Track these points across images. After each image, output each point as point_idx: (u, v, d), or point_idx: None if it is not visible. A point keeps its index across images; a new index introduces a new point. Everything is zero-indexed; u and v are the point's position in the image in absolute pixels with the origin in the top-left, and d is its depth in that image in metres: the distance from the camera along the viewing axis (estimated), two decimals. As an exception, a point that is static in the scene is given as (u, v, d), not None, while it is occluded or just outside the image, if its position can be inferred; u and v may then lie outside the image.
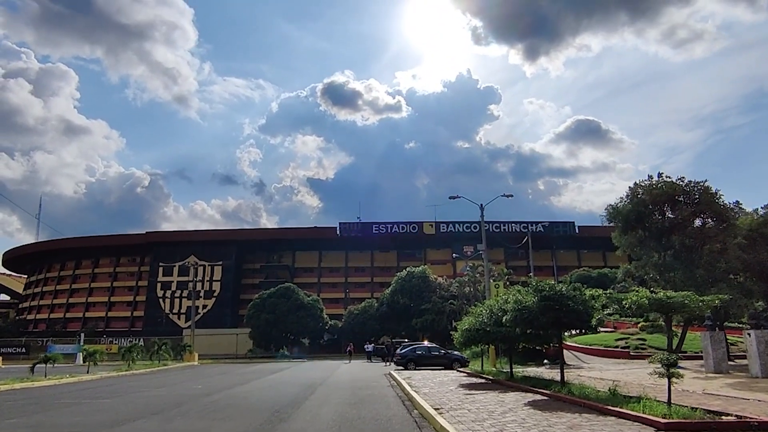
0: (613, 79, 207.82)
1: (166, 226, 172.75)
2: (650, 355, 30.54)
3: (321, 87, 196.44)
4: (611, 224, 27.57)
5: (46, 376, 27.48)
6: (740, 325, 37.99)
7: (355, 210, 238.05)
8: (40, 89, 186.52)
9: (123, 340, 76.52)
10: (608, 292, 11.35)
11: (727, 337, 25.85)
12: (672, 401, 9.61)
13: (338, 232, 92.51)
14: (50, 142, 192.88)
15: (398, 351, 34.90)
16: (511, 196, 33.17)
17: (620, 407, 10.01)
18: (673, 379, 9.39)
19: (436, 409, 11.89)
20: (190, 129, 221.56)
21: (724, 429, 8.29)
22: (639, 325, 40.19)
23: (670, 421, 8.46)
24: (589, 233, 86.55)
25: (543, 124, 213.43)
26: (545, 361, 30.62)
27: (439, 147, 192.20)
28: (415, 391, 16.53)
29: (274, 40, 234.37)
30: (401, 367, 32.18)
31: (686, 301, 9.81)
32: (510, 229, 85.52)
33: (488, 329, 18.64)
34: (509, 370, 20.14)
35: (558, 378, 19.18)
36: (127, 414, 13.48)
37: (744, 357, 29.59)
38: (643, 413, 9.22)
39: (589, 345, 35.94)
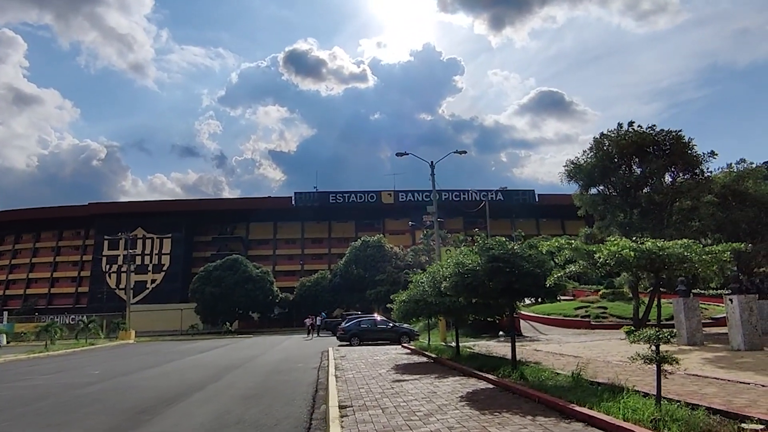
0: (575, 51, 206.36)
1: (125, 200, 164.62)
2: (613, 326, 28.53)
3: (283, 55, 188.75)
4: (571, 182, 24.71)
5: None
6: (703, 291, 36.46)
7: (319, 183, 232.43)
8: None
9: (65, 317, 72.48)
10: (572, 242, 8.29)
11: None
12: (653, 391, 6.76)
13: (293, 203, 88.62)
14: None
15: (342, 325, 31.96)
16: (465, 152, 30.24)
17: (589, 407, 7.04)
18: (666, 366, 6.46)
19: (343, 407, 8.83)
20: (147, 99, 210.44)
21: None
22: (600, 292, 38.25)
23: (669, 437, 5.52)
24: (549, 201, 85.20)
25: (507, 96, 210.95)
26: (500, 333, 28.09)
27: (403, 118, 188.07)
28: (337, 376, 13.51)
29: (234, 6, 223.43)
30: (346, 342, 29.32)
31: (687, 253, 6.78)
32: (470, 198, 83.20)
33: (430, 300, 15.63)
34: (457, 346, 17.32)
35: (516, 353, 16.51)
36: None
37: (713, 325, 27.76)
38: (624, 419, 6.28)
39: (547, 314, 33.70)
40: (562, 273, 8.38)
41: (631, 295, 27.29)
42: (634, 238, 7.66)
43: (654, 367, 6.66)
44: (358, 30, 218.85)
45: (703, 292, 36.44)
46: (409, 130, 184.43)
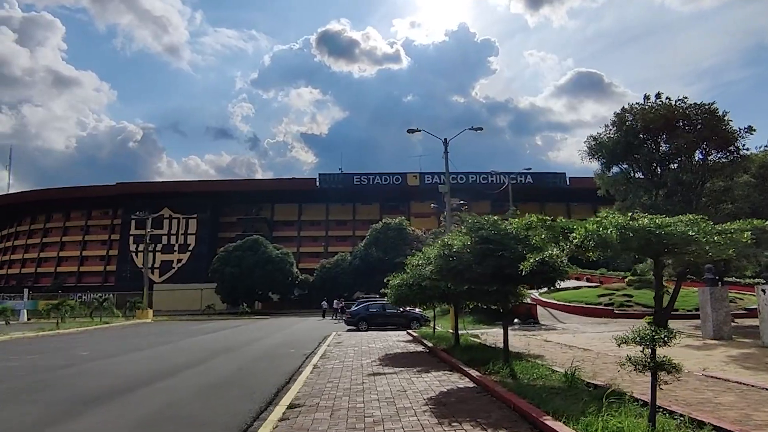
0: (615, 31, 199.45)
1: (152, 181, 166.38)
2: (638, 315, 26.66)
3: (315, 37, 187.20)
4: (592, 160, 22.80)
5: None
6: (738, 280, 34.34)
7: (350, 166, 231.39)
8: (25, 39, 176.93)
9: (92, 295, 73.68)
10: (546, 219, 6.70)
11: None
12: (657, 401, 5.43)
13: (318, 184, 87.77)
14: (38, 94, 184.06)
15: (350, 309, 30.97)
16: (481, 129, 28.58)
17: (565, 422, 5.72)
18: (663, 376, 5.09)
19: (293, 406, 7.72)
20: (181, 81, 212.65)
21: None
22: (626, 279, 36.34)
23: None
24: (581, 185, 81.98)
25: (544, 77, 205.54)
26: (516, 320, 26.66)
27: (436, 100, 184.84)
28: (317, 365, 12.45)
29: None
30: (354, 327, 28.35)
31: (693, 233, 5.31)
32: (497, 181, 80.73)
33: (424, 284, 14.36)
34: (456, 335, 16.09)
35: (523, 343, 15.27)
36: None
37: (746, 317, 25.73)
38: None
39: (568, 302, 32.04)
40: (540, 257, 6.98)
41: (658, 283, 25.46)
42: (630, 214, 6.17)
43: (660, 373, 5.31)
44: (392, 10, 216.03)
45: (738, 280, 34.30)
46: (442, 112, 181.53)
